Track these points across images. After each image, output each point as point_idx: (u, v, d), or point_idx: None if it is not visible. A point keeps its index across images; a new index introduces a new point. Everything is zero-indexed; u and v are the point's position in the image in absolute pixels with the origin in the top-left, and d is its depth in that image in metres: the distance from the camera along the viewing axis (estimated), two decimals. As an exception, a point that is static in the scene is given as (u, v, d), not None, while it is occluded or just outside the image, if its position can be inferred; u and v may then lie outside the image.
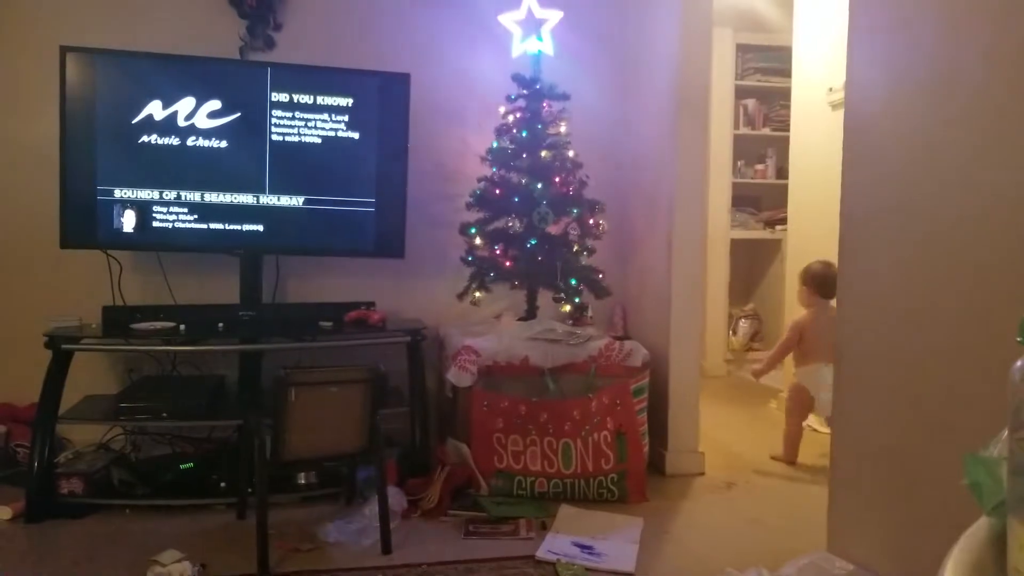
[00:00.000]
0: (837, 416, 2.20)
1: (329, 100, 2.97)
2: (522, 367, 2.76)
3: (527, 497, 2.66)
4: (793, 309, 4.05)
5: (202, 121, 2.86)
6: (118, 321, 2.80)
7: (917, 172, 1.88)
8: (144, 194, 2.83)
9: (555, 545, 2.30)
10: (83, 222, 2.77)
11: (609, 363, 2.81)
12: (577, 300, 3.03)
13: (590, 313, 3.12)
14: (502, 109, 3.09)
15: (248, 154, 2.92)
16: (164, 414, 2.63)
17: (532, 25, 3.09)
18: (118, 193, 2.81)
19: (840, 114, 2.23)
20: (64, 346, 2.56)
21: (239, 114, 2.89)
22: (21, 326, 2.88)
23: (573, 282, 3.02)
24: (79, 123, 2.74)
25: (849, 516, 2.12)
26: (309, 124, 2.96)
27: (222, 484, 2.61)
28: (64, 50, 2.71)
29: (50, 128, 2.77)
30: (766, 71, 5.00)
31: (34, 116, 2.99)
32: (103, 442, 2.89)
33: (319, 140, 2.98)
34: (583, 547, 2.29)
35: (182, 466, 2.74)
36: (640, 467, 2.77)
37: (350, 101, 2.99)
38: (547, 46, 3.10)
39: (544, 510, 2.57)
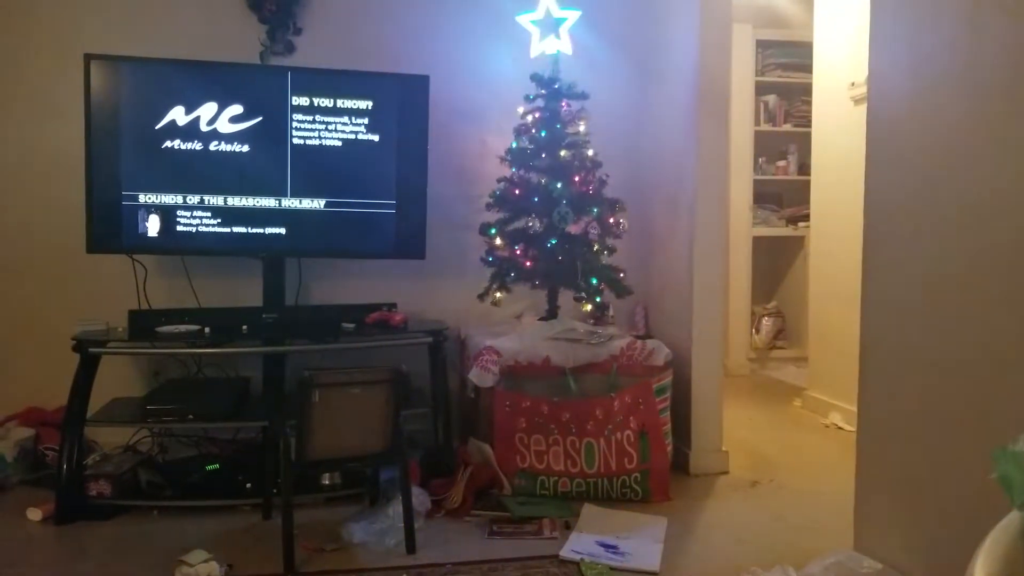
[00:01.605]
0: (863, 413, 2.17)
1: (349, 103, 2.99)
2: (543, 367, 2.76)
3: (550, 497, 2.66)
4: (817, 306, 4.01)
5: (224, 126, 2.89)
6: (144, 324, 2.84)
7: (942, 167, 1.85)
8: (168, 199, 2.87)
9: (579, 544, 2.29)
10: (109, 227, 2.82)
11: (631, 362, 2.80)
12: (598, 299, 3.02)
13: (611, 312, 3.11)
14: (521, 109, 3.09)
15: (270, 158, 2.94)
16: (190, 416, 2.66)
17: (550, 25, 3.09)
18: (143, 198, 2.85)
19: (863, 109, 2.20)
20: (91, 350, 2.59)
21: (260, 118, 2.92)
22: (49, 330, 2.93)
23: (594, 281, 3.01)
24: (104, 129, 2.79)
25: (876, 514, 2.09)
26: (330, 127, 2.98)
27: (247, 485, 2.64)
28: (88, 58, 2.76)
29: (76, 135, 2.82)
30: (786, 66, 4.95)
31: (60, 123, 3.04)
32: (130, 444, 2.93)
33: (340, 143, 3.00)
34: (607, 546, 2.28)
35: (208, 467, 2.77)
36: (663, 466, 2.75)
37: (370, 104, 3.01)
38: (565, 45, 3.09)
39: (567, 510, 2.56)
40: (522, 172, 3.06)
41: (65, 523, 2.47)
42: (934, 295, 1.87)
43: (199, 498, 2.60)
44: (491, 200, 3.07)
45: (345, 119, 3.00)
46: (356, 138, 3.01)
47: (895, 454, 2.01)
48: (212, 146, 2.89)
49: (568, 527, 2.44)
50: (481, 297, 3.08)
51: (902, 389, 1.98)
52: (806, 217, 4.46)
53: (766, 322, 5.16)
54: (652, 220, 3.47)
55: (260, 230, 2.95)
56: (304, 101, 2.96)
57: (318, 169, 2.99)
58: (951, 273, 1.81)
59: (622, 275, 3.07)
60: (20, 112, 3.10)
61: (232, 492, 2.63)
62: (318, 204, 2.99)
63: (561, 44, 3.08)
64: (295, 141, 2.96)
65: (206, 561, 2.09)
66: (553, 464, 2.68)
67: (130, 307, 2.93)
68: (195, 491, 2.64)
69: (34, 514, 2.50)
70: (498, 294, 3.06)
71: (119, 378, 2.98)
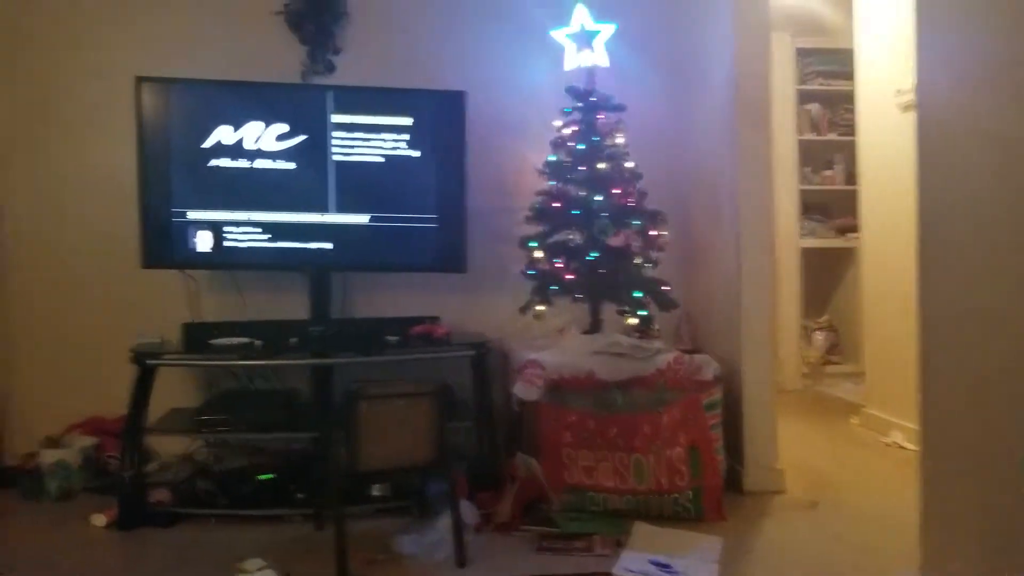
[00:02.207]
0: (925, 432, 2.09)
1: (389, 120, 3.03)
2: (588, 381, 2.72)
3: (600, 513, 2.61)
4: (872, 320, 3.90)
5: (269, 144, 2.95)
6: (197, 337, 2.89)
7: (996, 172, 1.78)
8: (217, 215, 2.93)
9: (631, 563, 2.24)
10: (161, 243, 2.89)
11: (678, 377, 2.75)
12: (642, 313, 2.97)
13: (656, 326, 3.06)
14: (558, 122, 3.08)
15: (314, 174, 2.99)
16: (243, 427, 2.70)
17: (584, 38, 3.08)
18: (192, 215, 2.92)
19: (910, 116, 2.15)
20: (148, 361, 2.66)
21: (304, 136, 2.97)
22: (108, 343, 3.00)
23: (638, 294, 2.97)
24: (154, 149, 2.87)
25: (942, 535, 2.00)
26: (371, 144, 3.02)
27: (299, 495, 2.66)
28: (139, 80, 2.85)
29: (126, 154, 2.90)
30: (828, 74, 4.87)
31: (113, 143, 3.12)
32: (188, 453, 2.98)
33: (381, 159, 3.03)
34: (660, 565, 2.22)
35: (261, 477, 2.79)
36: (716, 484, 2.67)
37: (410, 120, 3.04)
38: (600, 58, 3.09)
39: (618, 527, 2.51)
40: (561, 185, 3.05)
41: (127, 529, 2.54)
42: (996, 305, 1.79)
43: (253, 507, 2.63)
44: (531, 213, 3.06)
45: (385, 135, 3.03)
46: (397, 154, 3.04)
47: (961, 473, 1.93)
48: (258, 164, 2.95)
49: (619, 544, 2.39)
50: (523, 310, 3.06)
51: (965, 404, 1.90)
52: (855, 227, 4.36)
53: (818, 336, 5.03)
54: (694, 232, 3.43)
55: (306, 245, 2.99)
56: (345, 119, 3.00)
57: (361, 185, 3.03)
58: (1013, 281, 1.74)
59: (667, 288, 3.03)
60: (75, 133, 3.21)
61: (284, 502, 2.65)
62: (362, 219, 3.03)
63: (596, 57, 3.08)
64: (338, 158, 3.00)
65: (262, 569, 2.11)
66: (602, 480, 2.63)
67: (184, 320, 3.00)
68: (249, 500, 2.66)
69: (98, 520, 2.57)
70: (540, 307, 3.04)
71: (176, 388, 3.04)
